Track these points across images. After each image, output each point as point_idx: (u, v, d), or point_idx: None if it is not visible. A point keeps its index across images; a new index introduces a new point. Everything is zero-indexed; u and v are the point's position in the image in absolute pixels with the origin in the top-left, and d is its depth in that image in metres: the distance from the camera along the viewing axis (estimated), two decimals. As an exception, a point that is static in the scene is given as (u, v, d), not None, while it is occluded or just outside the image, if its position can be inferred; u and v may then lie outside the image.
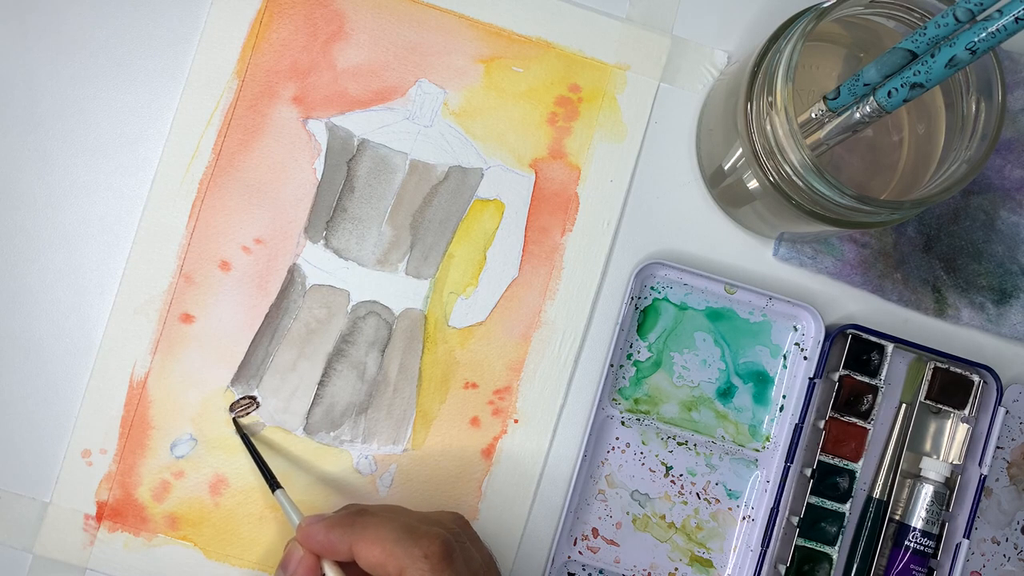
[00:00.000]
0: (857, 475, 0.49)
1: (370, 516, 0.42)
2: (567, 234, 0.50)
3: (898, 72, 0.40)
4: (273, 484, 0.46)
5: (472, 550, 0.43)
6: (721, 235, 0.51)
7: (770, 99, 0.40)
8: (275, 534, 0.48)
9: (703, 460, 0.50)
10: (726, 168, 0.47)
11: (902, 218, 0.43)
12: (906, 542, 0.49)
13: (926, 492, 0.49)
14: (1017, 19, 0.36)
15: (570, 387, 0.50)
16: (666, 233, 0.50)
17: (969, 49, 0.37)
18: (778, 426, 0.50)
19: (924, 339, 0.51)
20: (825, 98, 0.42)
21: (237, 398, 0.49)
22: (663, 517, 0.50)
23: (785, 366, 0.50)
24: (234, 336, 0.49)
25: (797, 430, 0.49)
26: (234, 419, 0.48)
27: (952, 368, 0.50)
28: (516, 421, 0.49)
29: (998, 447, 0.50)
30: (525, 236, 0.50)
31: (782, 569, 0.49)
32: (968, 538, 0.49)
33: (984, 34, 0.37)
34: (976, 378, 0.50)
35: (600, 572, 0.50)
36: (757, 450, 0.50)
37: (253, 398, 0.49)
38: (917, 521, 0.49)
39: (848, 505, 0.49)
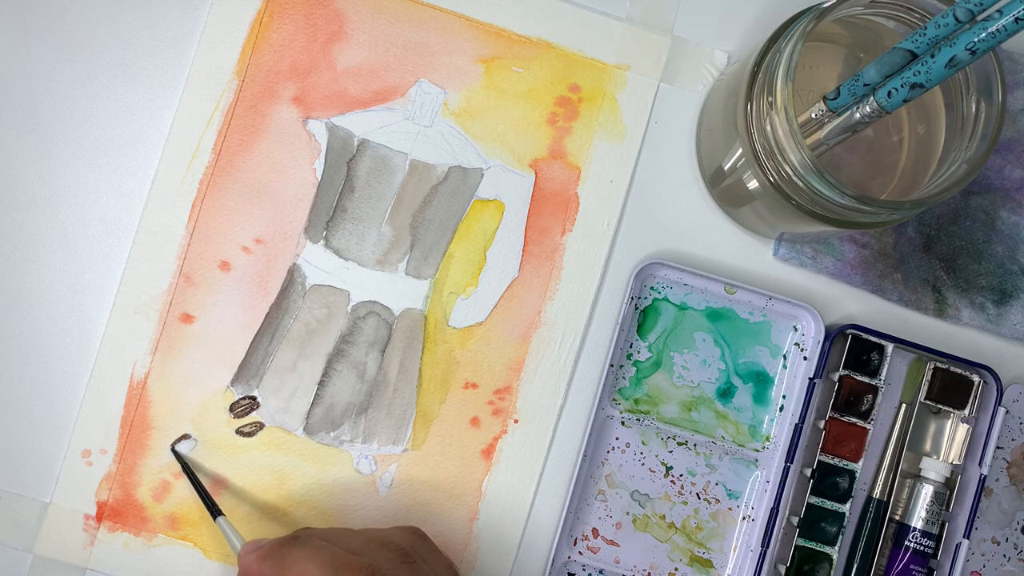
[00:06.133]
0: (857, 475, 0.49)
1: (300, 547, 0.41)
2: (567, 234, 0.50)
3: (898, 72, 0.40)
4: (214, 511, 0.46)
5: (406, 571, 0.42)
6: (721, 235, 0.51)
7: (770, 99, 0.40)
8: (274, 534, 0.48)
9: (703, 460, 0.50)
10: (726, 168, 0.47)
11: (902, 218, 0.43)
12: (906, 542, 0.49)
13: (926, 492, 0.49)
14: (1017, 19, 0.36)
15: (570, 387, 0.50)
16: (666, 233, 0.50)
17: (969, 49, 0.37)
18: (778, 426, 0.50)
19: (924, 339, 0.51)
20: (825, 98, 0.42)
21: (237, 398, 0.49)
22: (663, 517, 0.50)
23: (785, 366, 0.50)
24: (234, 336, 0.49)
25: (797, 430, 0.49)
26: (172, 448, 0.48)
27: (952, 368, 0.50)
28: (516, 421, 0.49)
29: (998, 447, 0.50)
30: (525, 236, 0.50)
31: (782, 569, 0.49)
32: (968, 538, 0.49)
33: (984, 34, 0.37)
34: (976, 378, 0.50)
35: (600, 572, 0.50)
36: (757, 450, 0.50)
37: (253, 398, 0.49)
38: (917, 521, 0.49)
39: (848, 505, 0.49)
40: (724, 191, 0.49)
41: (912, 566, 0.49)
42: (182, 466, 0.47)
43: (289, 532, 0.48)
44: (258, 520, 0.48)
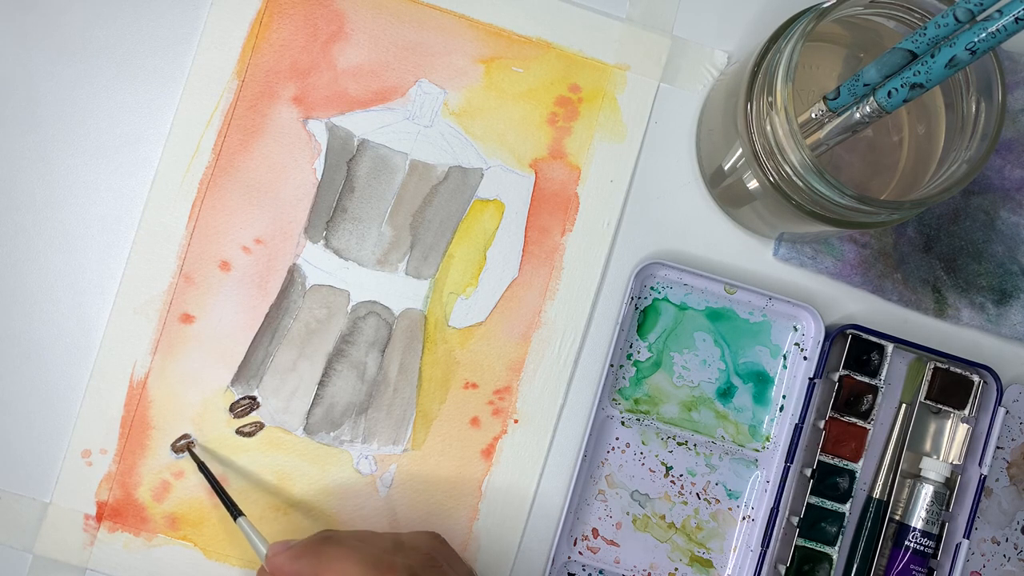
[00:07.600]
0: (857, 475, 0.49)
1: (336, 546, 0.41)
2: (567, 234, 0.50)
3: (898, 72, 0.40)
4: (235, 512, 0.46)
5: (434, 575, 0.42)
6: (721, 235, 0.51)
7: (770, 99, 0.40)
8: (275, 534, 0.48)
9: (703, 460, 0.50)
10: (726, 168, 0.47)
11: (902, 218, 0.43)
12: (906, 542, 0.49)
13: (926, 492, 0.49)
14: (1017, 19, 0.36)
15: (570, 387, 0.50)
16: (666, 233, 0.50)
17: (969, 49, 0.37)
18: (778, 426, 0.50)
19: (924, 339, 0.51)
20: (825, 98, 0.42)
21: (237, 398, 0.49)
22: (663, 517, 0.50)
23: (785, 366, 0.50)
24: (234, 336, 0.49)
25: (797, 430, 0.49)
26: (189, 448, 0.48)
27: (952, 368, 0.50)
28: (516, 421, 0.49)
29: (998, 447, 0.50)
30: (525, 236, 0.50)
31: (782, 569, 0.49)
32: (968, 538, 0.49)
33: (984, 34, 0.37)
34: (976, 378, 0.50)
35: (600, 572, 0.50)
36: (757, 450, 0.50)
37: (253, 398, 0.49)
38: (917, 521, 0.49)
39: (848, 505, 0.49)
40: (724, 191, 0.49)
41: (912, 566, 0.49)
42: (199, 467, 0.47)
43: (289, 533, 0.48)
44: (258, 520, 0.48)
